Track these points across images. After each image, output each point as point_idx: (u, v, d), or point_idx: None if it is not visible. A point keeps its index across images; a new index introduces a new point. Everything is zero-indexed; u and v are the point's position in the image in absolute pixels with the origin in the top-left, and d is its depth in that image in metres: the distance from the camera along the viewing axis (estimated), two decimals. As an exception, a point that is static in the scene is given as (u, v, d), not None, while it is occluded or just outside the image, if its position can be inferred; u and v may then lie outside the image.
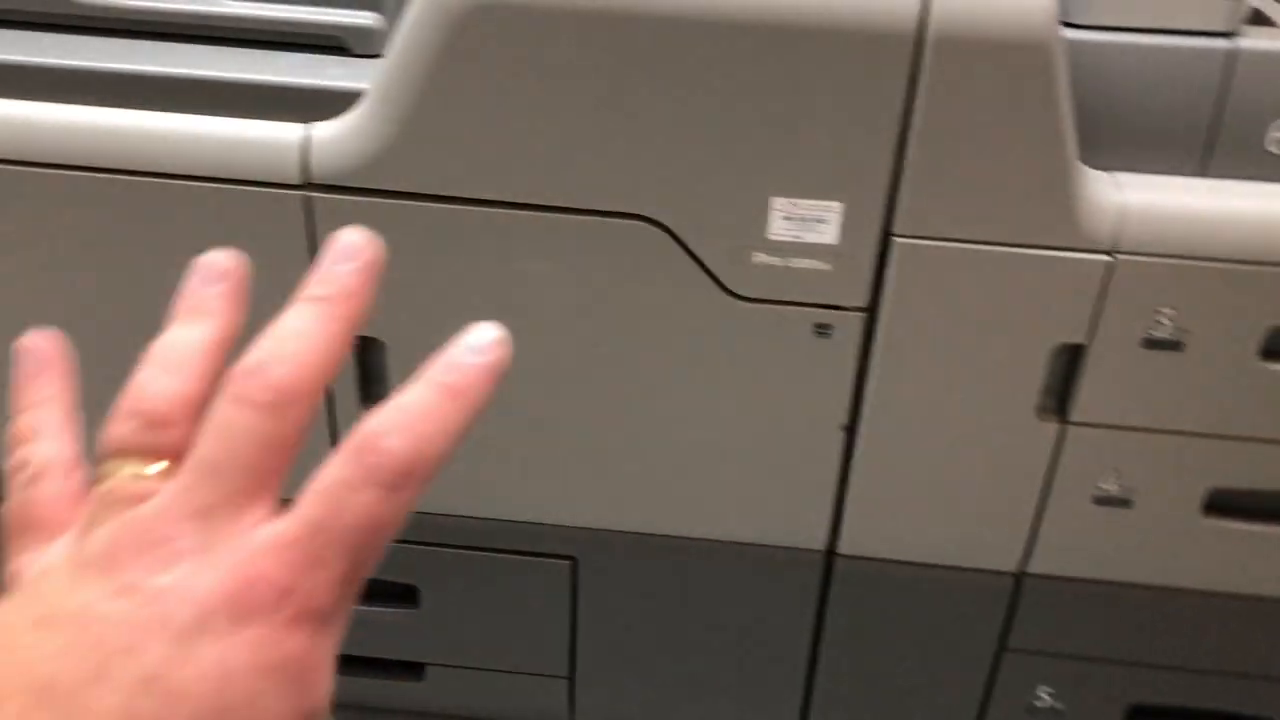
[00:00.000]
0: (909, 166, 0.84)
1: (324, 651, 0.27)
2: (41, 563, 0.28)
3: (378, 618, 1.17)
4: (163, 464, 0.28)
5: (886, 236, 0.88)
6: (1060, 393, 0.94)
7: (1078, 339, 0.90)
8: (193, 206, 0.94)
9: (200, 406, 0.29)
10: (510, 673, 1.19)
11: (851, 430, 0.98)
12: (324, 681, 0.27)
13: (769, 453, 1.00)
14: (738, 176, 0.86)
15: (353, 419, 1.03)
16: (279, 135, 0.92)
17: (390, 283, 0.99)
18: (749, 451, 1.01)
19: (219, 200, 0.93)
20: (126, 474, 0.28)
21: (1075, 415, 0.94)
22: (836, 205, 0.86)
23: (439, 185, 0.91)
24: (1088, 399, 0.93)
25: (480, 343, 0.29)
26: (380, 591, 1.17)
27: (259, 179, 0.93)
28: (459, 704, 1.23)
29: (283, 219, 0.94)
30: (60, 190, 0.94)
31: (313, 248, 0.95)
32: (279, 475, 0.28)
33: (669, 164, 0.87)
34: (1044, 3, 0.78)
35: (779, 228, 0.88)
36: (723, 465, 1.02)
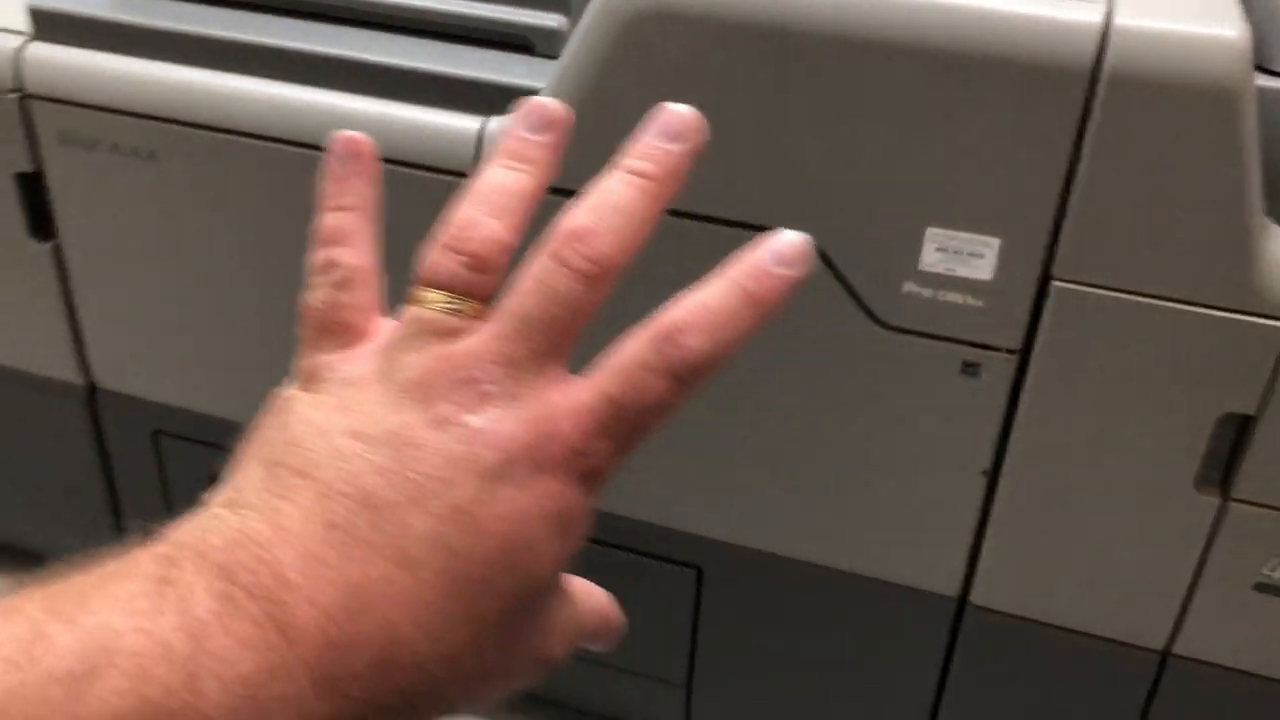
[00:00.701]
0: (1074, 208, 0.80)
1: (589, 507, 0.30)
2: (346, 370, 0.30)
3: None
4: (476, 304, 0.30)
5: (1045, 279, 0.84)
6: (1224, 465, 0.88)
7: (1247, 409, 0.84)
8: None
9: (512, 253, 0.30)
10: (628, 673, 1.20)
11: (994, 476, 0.94)
12: (583, 532, 0.30)
13: (905, 489, 0.98)
14: (894, 202, 0.85)
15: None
16: (458, 126, 0.96)
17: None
18: (885, 485, 0.98)
19: (396, 182, 0.98)
20: (442, 305, 0.30)
21: (1238, 491, 0.87)
22: (994, 241, 0.83)
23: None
24: (1254, 475, 0.86)
25: (789, 254, 0.30)
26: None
27: (435, 165, 0.97)
28: (573, 696, 1.25)
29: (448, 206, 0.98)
30: (256, 159, 1.02)
31: (479, 235, 0.99)
32: (573, 343, 0.29)
33: (825, 184, 0.86)
34: (1236, 45, 0.73)
35: (932, 259, 0.86)
36: (857, 496, 1.00)
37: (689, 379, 0.29)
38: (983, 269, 0.85)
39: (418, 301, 0.30)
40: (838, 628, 1.09)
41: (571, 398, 0.29)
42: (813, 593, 1.08)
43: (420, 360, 0.29)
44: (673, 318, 0.29)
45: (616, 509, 1.09)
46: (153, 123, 1.03)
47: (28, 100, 1.07)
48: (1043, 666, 1.03)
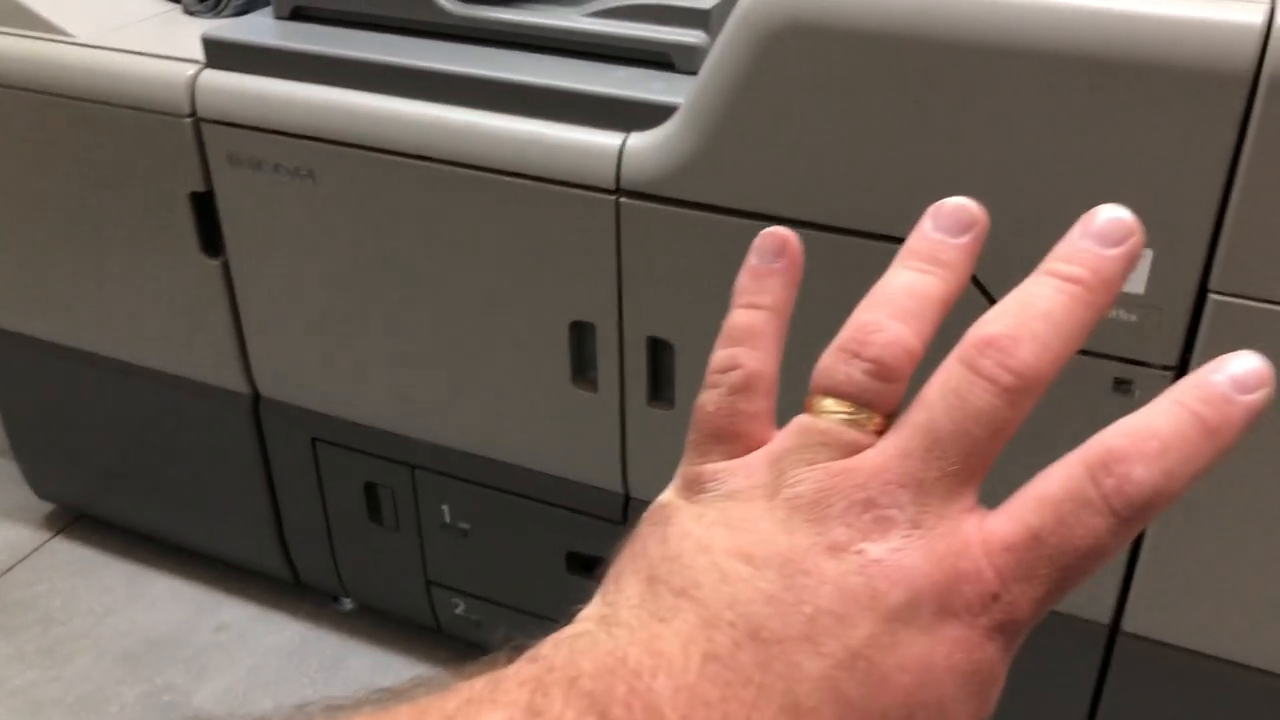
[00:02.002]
0: (1233, 217, 0.76)
1: (1005, 667, 0.26)
2: (733, 482, 0.27)
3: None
4: (878, 417, 0.26)
5: (1203, 292, 0.80)
6: (1404, 491, 0.82)
7: None
8: (514, 203, 1.02)
9: (918, 363, 0.27)
10: None
11: (1147, 498, 0.90)
12: (997, 694, 0.26)
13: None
14: (1043, 214, 0.82)
15: (615, 413, 1.07)
16: (600, 142, 0.98)
17: (684, 288, 1.03)
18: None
19: (537, 198, 1.01)
20: (840, 417, 0.26)
21: None
22: (1147, 253, 0.80)
23: (737, 199, 0.93)
24: None
25: (1248, 378, 0.24)
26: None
27: (578, 181, 0.99)
28: None
29: (593, 221, 1.00)
30: (409, 177, 1.06)
31: (619, 249, 1.01)
32: (989, 464, 0.26)
33: (972, 194, 0.84)
34: None
35: (1081, 272, 0.83)
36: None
37: (1130, 518, 0.24)
38: (1135, 282, 0.82)
39: (814, 410, 0.27)
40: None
41: (988, 531, 0.25)
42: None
43: (814, 476, 0.25)
44: (1112, 444, 0.24)
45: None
46: (311, 143, 1.09)
47: (200, 124, 1.13)
48: (1196, 698, 0.98)
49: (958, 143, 0.83)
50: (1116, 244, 0.27)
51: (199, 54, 1.14)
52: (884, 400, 0.27)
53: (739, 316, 0.31)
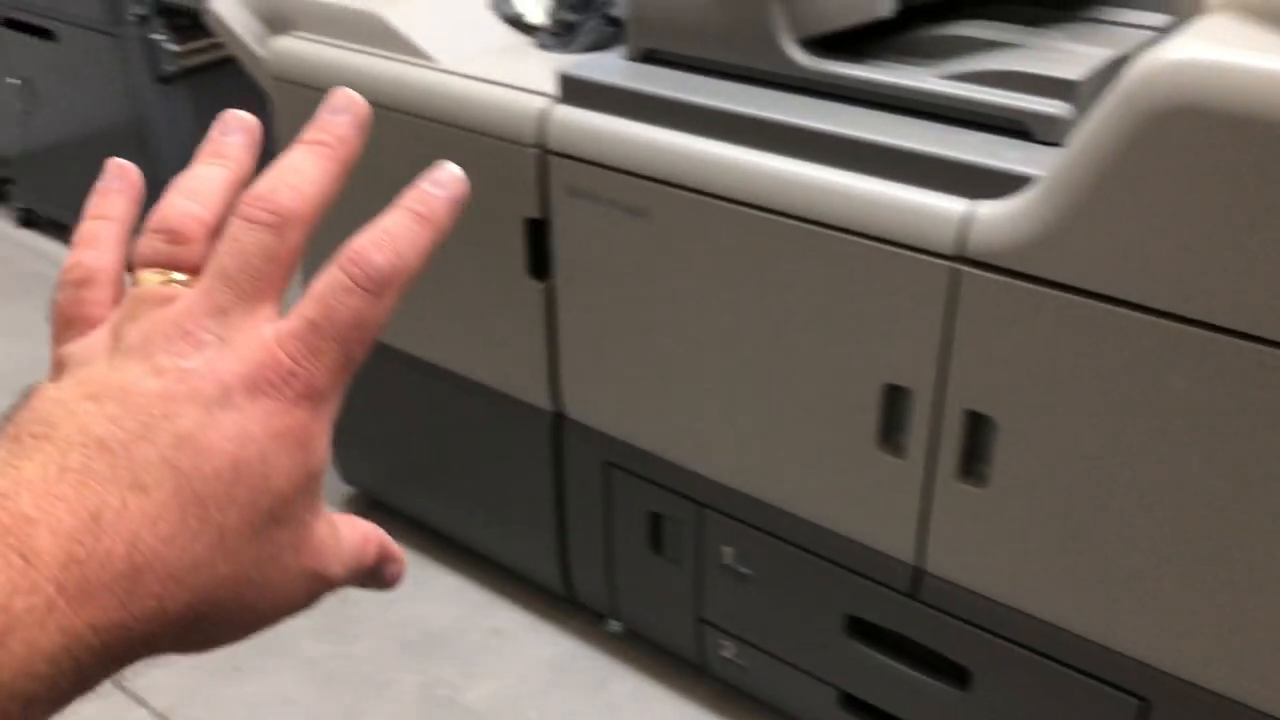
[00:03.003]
0: None
1: (322, 424, 0.33)
2: (81, 353, 0.34)
3: (925, 688, 1.17)
4: (185, 275, 0.34)
5: None
6: None
7: None
8: (844, 259, 1.01)
9: (215, 232, 0.34)
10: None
11: None
12: (322, 448, 0.33)
13: None
14: None
15: (920, 483, 1.03)
16: (944, 207, 0.96)
17: (1016, 364, 0.99)
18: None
19: (869, 256, 0.99)
20: (155, 280, 0.34)
21: None
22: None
23: (1092, 281, 0.89)
24: None
25: (443, 178, 0.35)
26: (932, 664, 1.17)
27: (915, 244, 0.97)
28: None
29: (925, 285, 0.98)
30: (741, 224, 1.07)
31: (949, 317, 0.98)
32: (281, 285, 0.33)
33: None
34: None
35: None
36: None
37: (379, 290, 0.33)
38: None
39: (136, 282, 0.34)
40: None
41: (278, 329, 0.32)
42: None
43: (140, 327, 0.32)
44: (356, 244, 0.33)
45: (1058, 619, 1.03)
46: (651, 183, 1.12)
47: (547, 155, 1.19)
48: None
49: (1362, 247, 0.75)
50: (345, 112, 0.36)
51: (547, 86, 1.19)
52: (185, 260, 0.34)
53: (84, 228, 0.37)
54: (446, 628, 1.56)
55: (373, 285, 0.33)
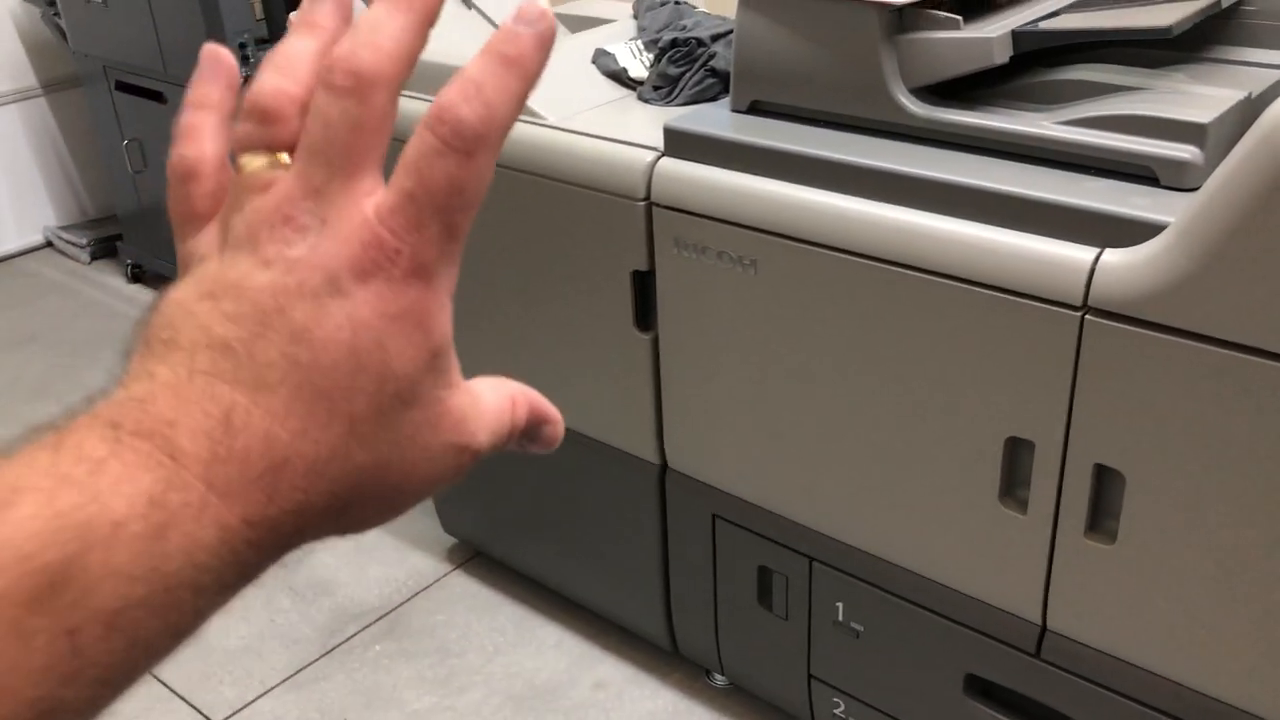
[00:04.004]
0: None
1: (438, 299, 0.31)
2: (200, 251, 0.33)
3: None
4: (283, 155, 0.32)
5: None
6: None
7: None
8: (964, 310, 0.99)
9: (301, 102, 0.33)
10: None
11: None
12: (442, 324, 0.32)
13: None
14: None
15: (1044, 539, 0.99)
16: (1071, 256, 0.93)
17: (1146, 416, 0.95)
18: None
19: (991, 307, 0.97)
20: (254, 166, 0.32)
21: None
22: None
23: (1227, 330, 0.85)
24: None
25: (530, 14, 0.32)
26: (1039, 715, 1.13)
27: (1041, 295, 0.95)
28: None
29: (1051, 336, 0.95)
30: (852, 275, 1.05)
31: (1076, 368, 0.95)
32: (377, 153, 0.31)
33: None
34: None
35: None
36: None
37: (472, 148, 0.30)
38: None
39: (237, 169, 0.33)
40: None
41: (376, 205, 0.31)
42: None
43: (245, 217, 0.31)
44: (442, 98, 0.31)
45: (1188, 680, 0.99)
46: (758, 234, 1.11)
47: (653, 207, 1.19)
48: None
49: None
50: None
51: (650, 139, 1.20)
52: (282, 138, 0.32)
53: (182, 120, 0.36)
54: (551, 680, 1.55)
55: (464, 144, 0.30)
